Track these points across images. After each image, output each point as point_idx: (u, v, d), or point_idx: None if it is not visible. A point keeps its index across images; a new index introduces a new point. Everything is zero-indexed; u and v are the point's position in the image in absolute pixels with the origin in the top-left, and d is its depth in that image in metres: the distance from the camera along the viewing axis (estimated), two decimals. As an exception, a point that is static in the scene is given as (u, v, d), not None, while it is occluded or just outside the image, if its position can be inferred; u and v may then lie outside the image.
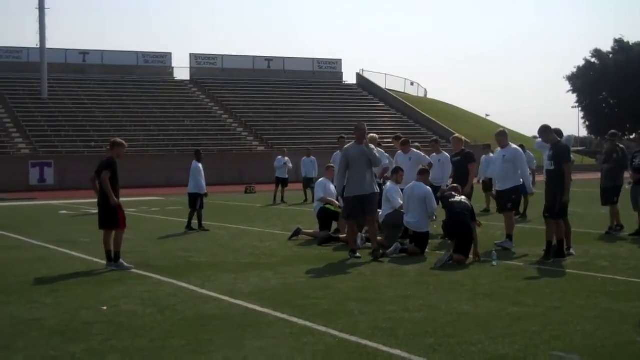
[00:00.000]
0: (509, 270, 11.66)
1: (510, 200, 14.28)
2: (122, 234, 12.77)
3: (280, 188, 30.17)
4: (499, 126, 71.24)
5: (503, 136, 14.47)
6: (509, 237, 14.03)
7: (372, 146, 14.00)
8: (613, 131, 17.29)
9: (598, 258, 12.79)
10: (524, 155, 14.83)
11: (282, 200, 29.64)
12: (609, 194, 16.22)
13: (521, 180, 14.37)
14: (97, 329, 8.15)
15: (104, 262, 12.93)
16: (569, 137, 14.82)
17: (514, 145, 14.66)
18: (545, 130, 13.04)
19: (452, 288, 10.18)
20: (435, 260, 12.18)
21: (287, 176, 30.83)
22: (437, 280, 10.85)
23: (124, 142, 13.13)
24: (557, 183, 12.52)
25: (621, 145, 16.82)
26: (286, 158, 31.18)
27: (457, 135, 17.76)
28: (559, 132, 13.91)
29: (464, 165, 15.57)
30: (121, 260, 12.51)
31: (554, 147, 12.81)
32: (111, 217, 12.63)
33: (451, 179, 15.85)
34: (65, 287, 10.79)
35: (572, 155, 13.94)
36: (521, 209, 20.22)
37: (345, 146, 13.89)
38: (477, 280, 10.76)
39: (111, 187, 12.48)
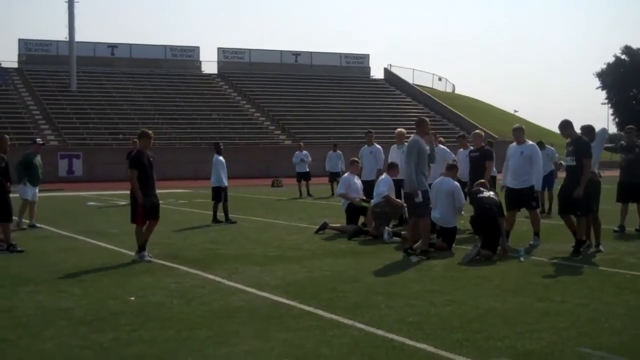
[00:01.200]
0: (537, 266, 11.58)
1: (535, 199, 14.16)
2: (154, 226, 12.88)
3: (303, 182, 30.24)
4: (528, 122, 70.82)
5: (520, 132, 14.35)
6: (537, 234, 13.95)
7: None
8: (631, 126, 17.12)
9: (627, 255, 12.68)
10: (540, 152, 14.60)
11: (308, 194, 29.66)
12: (634, 191, 16.00)
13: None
14: (124, 319, 8.19)
15: (132, 253, 13.01)
16: (603, 130, 14.65)
17: (531, 142, 14.52)
18: (564, 126, 12.93)
19: (479, 283, 10.14)
20: (463, 256, 12.14)
21: (307, 169, 30.81)
22: (464, 275, 10.80)
23: (150, 133, 13.11)
24: (579, 179, 12.44)
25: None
26: (304, 152, 31.16)
27: (477, 131, 17.66)
28: (590, 129, 13.79)
29: (481, 161, 15.44)
30: (144, 252, 12.59)
31: (575, 142, 12.70)
32: (132, 213, 12.72)
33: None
34: (93, 278, 10.86)
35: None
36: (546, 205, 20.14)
37: (416, 139, 12.83)
38: (505, 275, 10.70)
39: (141, 181, 12.55)
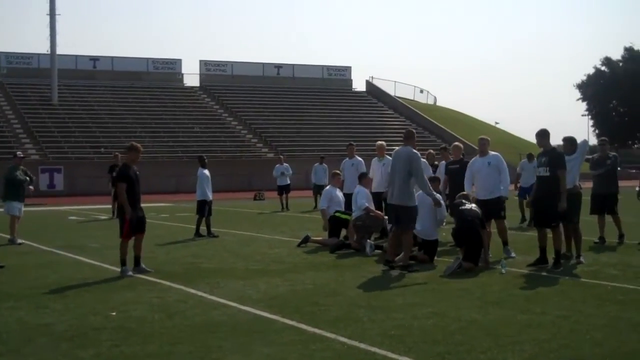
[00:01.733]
0: (518, 278, 11.64)
1: (503, 208, 14.16)
2: (141, 239, 12.90)
3: (283, 195, 30.25)
4: (509, 134, 70.99)
5: (487, 143, 14.48)
6: (505, 243, 14.02)
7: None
8: (604, 138, 17.29)
9: (608, 266, 12.75)
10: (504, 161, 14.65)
11: (286, 207, 29.66)
12: (606, 203, 16.10)
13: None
14: (106, 334, 8.16)
15: (113, 267, 12.98)
16: (584, 142, 14.76)
17: (493, 152, 14.59)
18: (542, 135, 12.97)
19: (461, 295, 10.17)
20: (445, 268, 12.16)
21: (288, 182, 30.83)
22: (446, 287, 10.83)
23: (138, 146, 13.19)
24: (552, 189, 12.48)
25: (613, 153, 16.86)
26: (285, 165, 31.20)
27: (456, 143, 17.76)
28: (572, 140, 13.89)
29: (461, 173, 15.46)
30: (142, 265, 12.72)
31: (549, 153, 12.76)
32: (120, 226, 12.70)
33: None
34: (75, 293, 10.82)
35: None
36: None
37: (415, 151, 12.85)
38: (486, 288, 10.74)
39: (128, 195, 12.57)
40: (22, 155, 19.37)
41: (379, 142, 18.46)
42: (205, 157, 19.90)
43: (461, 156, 16.19)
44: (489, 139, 14.79)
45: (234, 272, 12.59)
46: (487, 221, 13.42)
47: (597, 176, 16.31)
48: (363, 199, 15.64)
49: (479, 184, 14.09)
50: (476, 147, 15.84)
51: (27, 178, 18.52)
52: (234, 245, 16.93)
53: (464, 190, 14.16)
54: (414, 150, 12.77)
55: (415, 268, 12.45)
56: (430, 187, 13.06)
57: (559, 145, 14.43)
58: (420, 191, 14.08)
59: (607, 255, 14.26)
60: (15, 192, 18.12)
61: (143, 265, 12.66)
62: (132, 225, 12.63)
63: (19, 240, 17.57)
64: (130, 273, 12.37)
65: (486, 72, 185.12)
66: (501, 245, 14.10)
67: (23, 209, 18.61)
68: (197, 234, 18.82)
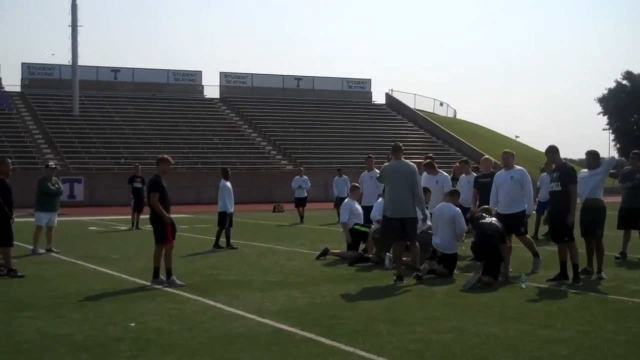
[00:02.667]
0: (538, 292, 11.56)
1: (524, 224, 14.06)
2: (171, 251, 12.89)
3: (300, 207, 30.21)
4: (529, 147, 70.64)
5: (510, 156, 14.34)
6: (535, 255, 13.95)
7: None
8: (636, 151, 16.97)
9: (629, 282, 12.64)
10: (528, 176, 14.54)
11: (301, 221, 29.54)
12: (634, 217, 15.94)
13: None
14: (125, 345, 8.17)
15: (132, 278, 13.00)
16: (612, 158, 14.65)
17: (519, 167, 14.46)
18: (554, 150, 12.99)
19: (480, 310, 10.11)
20: (464, 282, 12.11)
21: (305, 195, 30.76)
22: (466, 302, 10.78)
23: (169, 158, 13.38)
24: (564, 204, 12.45)
25: None
26: (303, 177, 31.12)
27: (487, 156, 17.64)
28: (595, 154, 13.79)
29: (491, 187, 15.37)
30: (173, 277, 12.63)
31: (560, 168, 12.76)
32: (161, 233, 12.73)
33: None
34: (94, 303, 10.85)
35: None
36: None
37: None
38: (506, 302, 10.67)
39: (161, 205, 12.80)
40: (53, 167, 19.45)
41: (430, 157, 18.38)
42: (229, 169, 19.92)
43: (492, 169, 16.05)
44: (513, 152, 14.66)
45: (252, 284, 12.59)
46: (507, 236, 13.35)
47: (626, 189, 16.16)
48: (377, 212, 15.54)
49: (501, 197, 13.98)
50: (497, 160, 15.74)
51: (59, 188, 18.68)
52: (252, 257, 16.93)
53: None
54: (413, 165, 13.13)
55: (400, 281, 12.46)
56: (424, 202, 13.28)
57: (609, 158, 14.31)
58: (440, 204, 14.11)
59: (629, 270, 14.14)
60: (44, 203, 18.24)
61: (174, 277, 12.65)
62: (174, 228, 12.88)
63: (40, 250, 17.66)
64: (179, 283, 12.46)
65: (507, 86, 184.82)
66: (522, 260, 14.00)
67: (56, 219, 18.72)
68: (217, 245, 18.84)
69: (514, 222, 13.62)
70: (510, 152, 14.48)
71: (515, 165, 14.22)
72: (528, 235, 14.26)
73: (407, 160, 13.21)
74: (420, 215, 13.15)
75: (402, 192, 12.85)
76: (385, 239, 13.62)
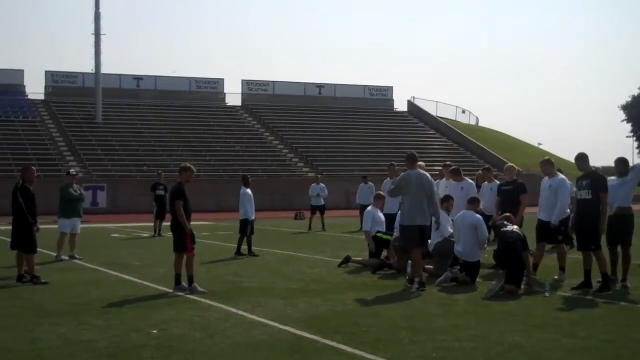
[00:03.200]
0: (562, 301, 11.48)
1: (561, 232, 13.96)
2: (193, 259, 12.92)
3: (318, 215, 29.98)
4: (552, 155, 70.41)
5: (547, 165, 14.25)
6: (562, 269, 13.86)
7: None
8: None
9: (654, 291, 12.53)
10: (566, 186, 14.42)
11: (323, 229, 29.19)
12: None
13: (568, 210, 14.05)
14: (147, 352, 8.19)
15: (155, 285, 13.04)
16: None
17: (562, 176, 14.34)
18: (583, 158, 12.92)
19: (503, 318, 10.06)
20: (487, 290, 12.05)
21: (323, 203, 30.55)
22: (489, 310, 10.72)
23: (192, 167, 13.48)
24: (593, 212, 12.41)
25: None
26: (321, 185, 30.88)
27: (511, 164, 17.56)
28: (625, 162, 13.65)
29: (515, 195, 15.30)
30: (195, 284, 12.65)
31: (591, 176, 12.69)
32: (180, 242, 12.79)
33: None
34: (117, 310, 10.89)
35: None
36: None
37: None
38: (530, 311, 10.61)
39: (184, 213, 12.78)
40: (74, 174, 19.58)
41: (420, 163, 18.37)
42: (249, 177, 19.95)
43: (515, 177, 15.97)
44: (551, 160, 14.52)
45: (274, 292, 12.59)
46: (546, 242, 13.35)
47: None
48: (448, 224, 14.94)
49: (540, 204, 14.00)
50: (519, 168, 15.67)
51: (81, 194, 18.81)
52: (274, 264, 16.94)
53: (516, 212, 14.07)
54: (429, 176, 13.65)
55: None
56: (439, 211, 13.77)
57: (638, 164, 14.19)
58: (462, 212, 14.08)
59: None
60: (67, 210, 18.35)
61: (195, 284, 12.68)
62: (193, 238, 12.88)
63: (63, 257, 17.77)
64: (201, 290, 12.48)
65: (529, 93, 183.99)
66: (549, 269, 13.93)
67: (80, 225, 18.82)
68: (238, 252, 18.88)
69: (551, 231, 13.58)
70: (548, 160, 14.35)
71: (558, 174, 14.12)
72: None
73: (423, 171, 13.58)
74: (435, 225, 13.50)
75: (419, 201, 13.11)
76: (406, 247, 13.66)
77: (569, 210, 13.88)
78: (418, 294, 12.18)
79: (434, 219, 13.58)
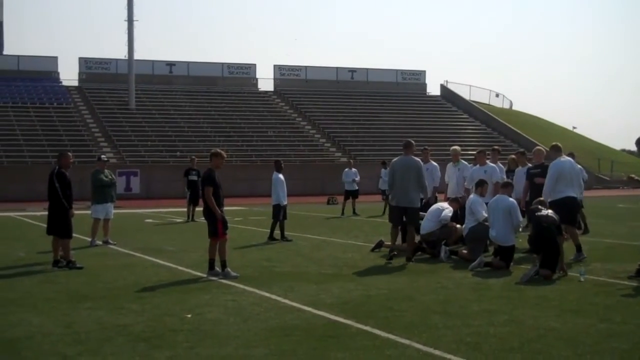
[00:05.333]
0: (597, 286, 11.38)
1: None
2: (225, 244, 12.96)
3: (350, 200, 30.05)
4: (587, 139, 69.43)
5: (552, 152, 14.34)
6: (578, 248, 13.87)
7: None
8: None
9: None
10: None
11: (354, 213, 29.34)
12: None
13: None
14: (182, 336, 8.24)
15: (188, 270, 13.11)
16: None
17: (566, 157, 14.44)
18: None
19: (538, 303, 9.99)
20: (521, 275, 11.97)
21: (356, 188, 30.55)
22: (523, 295, 10.66)
23: (222, 152, 13.45)
24: None
25: None
26: (353, 170, 30.86)
27: (539, 147, 17.47)
28: None
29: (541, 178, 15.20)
30: (228, 269, 12.69)
31: None
32: (212, 227, 12.84)
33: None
34: (151, 294, 10.96)
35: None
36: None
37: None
38: (564, 295, 10.53)
39: (214, 198, 12.77)
40: (105, 159, 19.70)
41: (454, 147, 18.33)
42: (281, 162, 19.94)
43: (542, 161, 15.88)
44: (558, 145, 14.63)
45: (307, 276, 12.61)
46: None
47: None
48: (482, 209, 14.73)
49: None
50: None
51: (112, 179, 18.93)
52: (307, 249, 16.96)
53: (545, 195, 14.00)
54: (419, 160, 15.10)
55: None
56: (427, 189, 15.23)
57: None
58: (495, 196, 14.04)
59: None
60: (100, 195, 18.46)
61: (228, 269, 12.72)
62: (225, 224, 12.87)
63: (97, 242, 17.92)
64: (234, 274, 12.55)
65: (564, 77, 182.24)
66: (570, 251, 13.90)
67: (112, 210, 18.95)
68: (271, 237, 18.92)
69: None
70: (555, 146, 14.49)
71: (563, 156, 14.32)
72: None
73: (414, 157, 14.84)
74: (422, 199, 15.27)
75: (404, 184, 14.46)
76: (391, 222, 15.09)
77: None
78: (452, 278, 12.13)
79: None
